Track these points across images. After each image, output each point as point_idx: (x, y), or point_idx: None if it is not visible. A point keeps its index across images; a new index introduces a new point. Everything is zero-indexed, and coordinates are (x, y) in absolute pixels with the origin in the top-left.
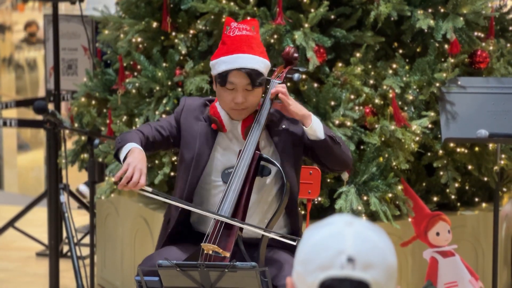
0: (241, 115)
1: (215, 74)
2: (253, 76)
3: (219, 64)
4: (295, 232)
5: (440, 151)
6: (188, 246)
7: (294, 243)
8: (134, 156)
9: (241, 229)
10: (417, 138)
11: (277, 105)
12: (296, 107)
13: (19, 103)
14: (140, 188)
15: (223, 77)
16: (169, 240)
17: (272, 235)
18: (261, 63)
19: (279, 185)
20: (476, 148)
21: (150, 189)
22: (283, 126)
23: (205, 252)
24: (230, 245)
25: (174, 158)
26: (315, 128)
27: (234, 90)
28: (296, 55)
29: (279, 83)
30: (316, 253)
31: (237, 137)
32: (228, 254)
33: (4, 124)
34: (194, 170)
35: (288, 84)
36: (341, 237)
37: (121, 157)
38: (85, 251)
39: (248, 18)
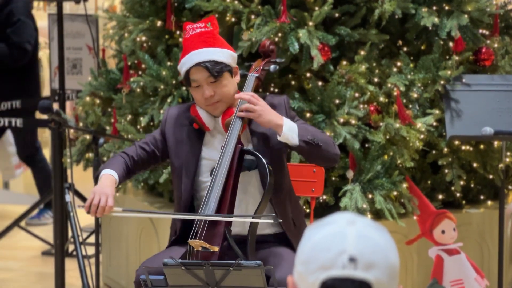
0: (217, 109)
1: (183, 79)
2: (209, 67)
3: (180, 67)
4: (292, 225)
5: (445, 149)
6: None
7: (272, 221)
8: (101, 182)
9: (228, 223)
10: (422, 136)
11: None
12: (265, 117)
13: (24, 103)
14: (112, 211)
15: (186, 78)
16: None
17: (250, 219)
18: (218, 53)
19: (262, 178)
20: (481, 146)
21: (120, 209)
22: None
23: (195, 249)
24: (218, 239)
25: None
26: (287, 136)
27: (200, 87)
28: (272, 47)
29: (256, 76)
30: (318, 252)
31: (220, 133)
32: (216, 249)
33: (10, 124)
34: (186, 177)
35: (274, 77)
36: (343, 237)
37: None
38: (91, 250)
39: (253, 16)
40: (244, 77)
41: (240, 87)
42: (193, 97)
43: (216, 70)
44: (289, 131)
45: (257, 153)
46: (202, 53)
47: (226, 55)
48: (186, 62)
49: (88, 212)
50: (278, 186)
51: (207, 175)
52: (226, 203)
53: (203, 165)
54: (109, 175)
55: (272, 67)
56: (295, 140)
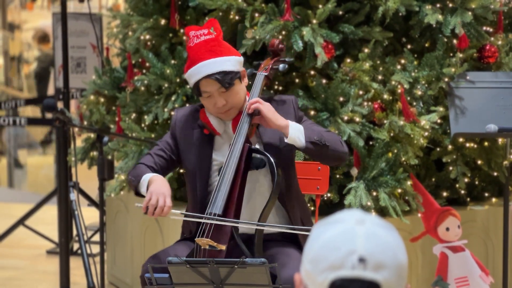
0: (230, 115)
1: (191, 88)
2: (220, 79)
3: (189, 78)
4: (296, 223)
5: (450, 146)
6: (190, 244)
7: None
8: (156, 183)
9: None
10: (426, 133)
11: (256, 119)
12: (272, 115)
13: (28, 102)
14: (170, 213)
15: (196, 89)
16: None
17: (266, 228)
18: (227, 62)
19: (270, 176)
20: (486, 143)
21: (178, 211)
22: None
23: (202, 247)
24: (225, 238)
25: None
26: (294, 138)
27: (211, 96)
28: (281, 46)
29: (265, 75)
30: (327, 252)
31: (230, 136)
32: (224, 247)
33: (14, 122)
34: (200, 180)
35: (278, 75)
36: (352, 236)
37: (143, 190)
38: (95, 248)
39: (256, 14)
40: (253, 76)
41: (249, 85)
42: (204, 104)
43: (227, 81)
44: (296, 133)
45: (265, 152)
46: (211, 65)
47: (234, 62)
48: (194, 74)
49: (145, 213)
50: (288, 186)
51: (216, 175)
52: (234, 202)
53: (213, 167)
54: (158, 175)
55: (281, 66)
56: (302, 141)
